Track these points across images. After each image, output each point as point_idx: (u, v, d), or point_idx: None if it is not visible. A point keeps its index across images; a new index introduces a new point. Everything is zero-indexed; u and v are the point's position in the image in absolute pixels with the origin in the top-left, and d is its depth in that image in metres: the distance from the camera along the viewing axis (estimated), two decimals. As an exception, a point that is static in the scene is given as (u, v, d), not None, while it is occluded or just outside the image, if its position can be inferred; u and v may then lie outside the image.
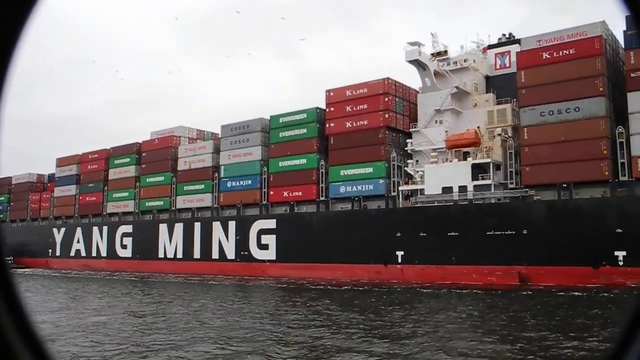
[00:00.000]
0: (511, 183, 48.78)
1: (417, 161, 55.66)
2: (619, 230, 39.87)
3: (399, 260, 50.16)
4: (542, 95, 46.46)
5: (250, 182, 65.21)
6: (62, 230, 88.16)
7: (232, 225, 64.35)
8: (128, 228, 77.68)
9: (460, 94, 55.60)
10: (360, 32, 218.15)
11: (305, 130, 61.52)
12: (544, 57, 47.48)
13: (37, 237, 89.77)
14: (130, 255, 75.76)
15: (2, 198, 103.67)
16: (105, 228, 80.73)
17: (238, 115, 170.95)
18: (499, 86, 55.59)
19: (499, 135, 50.88)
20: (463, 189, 49.36)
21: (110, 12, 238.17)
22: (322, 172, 59.40)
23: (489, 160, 49.04)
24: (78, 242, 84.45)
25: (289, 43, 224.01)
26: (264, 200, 63.87)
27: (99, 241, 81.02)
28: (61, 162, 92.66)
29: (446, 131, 53.69)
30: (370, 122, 56.66)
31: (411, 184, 54.21)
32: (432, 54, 57.74)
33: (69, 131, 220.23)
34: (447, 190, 50.15)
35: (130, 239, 76.36)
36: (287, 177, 61.21)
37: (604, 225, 40.55)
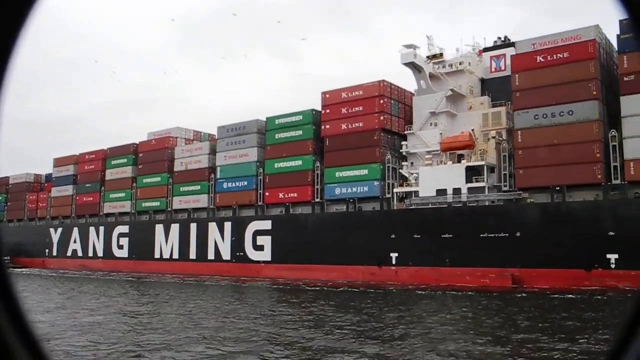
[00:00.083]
0: (505, 185, 48.97)
1: (411, 163, 55.88)
2: (611, 233, 40.13)
3: (393, 262, 50.35)
4: (536, 98, 46.71)
5: (246, 183, 65.38)
6: (59, 230, 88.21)
7: (227, 226, 64.52)
8: (124, 228, 77.82)
9: (455, 97, 55.85)
10: (359, 32, 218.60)
11: (301, 132, 61.75)
12: (538, 61, 47.76)
13: (34, 237, 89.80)
14: (126, 256, 75.90)
15: (0, 198, 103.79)
16: (102, 228, 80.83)
17: (235, 117, 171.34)
18: (494, 89, 55.84)
19: (494, 137, 51.09)
20: (457, 191, 49.57)
21: (108, 13, 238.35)
22: (317, 173, 59.60)
23: (483, 162, 49.28)
24: (75, 242, 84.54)
25: (286, 45, 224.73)
26: (260, 201, 64.05)
27: (96, 241, 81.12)
28: (58, 162, 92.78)
29: (441, 133, 53.92)
30: (365, 124, 56.87)
31: (406, 186, 54.40)
32: (428, 57, 58.03)
33: (68, 131, 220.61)
34: (441, 192, 50.38)
35: (127, 239, 76.50)
36: (283, 179, 61.39)
37: (596, 228, 40.82)
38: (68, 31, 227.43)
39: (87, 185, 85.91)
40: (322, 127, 60.23)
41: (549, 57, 47.23)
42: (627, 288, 37.60)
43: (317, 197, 59.46)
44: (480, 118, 53.59)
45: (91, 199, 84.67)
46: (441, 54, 58.38)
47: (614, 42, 48.08)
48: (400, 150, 56.89)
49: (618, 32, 44.83)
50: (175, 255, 69.65)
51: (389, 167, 55.45)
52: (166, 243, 71.00)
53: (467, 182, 49.46)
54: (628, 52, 42.97)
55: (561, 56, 46.57)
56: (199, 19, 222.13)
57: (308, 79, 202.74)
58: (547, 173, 44.89)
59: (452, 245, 46.38)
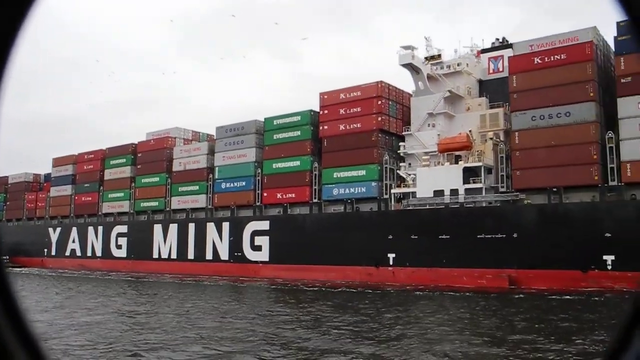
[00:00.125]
0: (502, 187, 49.06)
1: (409, 164, 55.95)
2: (608, 235, 40.17)
3: (391, 263, 50.42)
4: (534, 99, 46.76)
5: (244, 183, 65.48)
6: (58, 230, 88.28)
7: (226, 226, 64.59)
8: (123, 228, 77.89)
9: (453, 98, 55.93)
10: (359, 32, 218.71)
11: (299, 133, 61.85)
12: (535, 62, 47.82)
13: (33, 237, 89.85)
14: (125, 256, 75.95)
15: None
16: (100, 228, 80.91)
17: (235, 117, 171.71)
18: (492, 90, 55.88)
19: (491, 139, 51.15)
20: (454, 192, 49.66)
21: (108, 13, 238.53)
22: (315, 174, 59.70)
23: (480, 164, 49.34)
24: (73, 241, 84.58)
25: (286, 45, 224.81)
26: (258, 201, 64.15)
27: (94, 241, 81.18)
28: (57, 162, 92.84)
29: (438, 135, 53.99)
30: (363, 125, 56.97)
31: (403, 186, 54.48)
32: (426, 58, 58.12)
33: (68, 131, 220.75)
34: (438, 193, 50.47)
35: (125, 239, 76.56)
36: (281, 179, 61.49)
37: (593, 229, 40.83)
38: (68, 31, 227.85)
39: (86, 185, 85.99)
40: (320, 127, 60.33)
41: (546, 58, 47.29)
42: (625, 289, 37.57)
43: (315, 198, 59.56)
44: (478, 119, 53.67)
45: (90, 198, 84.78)
46: (439, 55, 58.48)
47: (611, 43, 48.15)
48: (398, 151, 56.98)
49: (615, 34, 44.94)
50: (174, 255, 69.72)
51: (386, 168, 55.55)
52: (164, 243, 71.06)
53: (464, 183, 49.55)
54: (625, 53, 43.05)
55: (558, 58, 46.63)
56: (199, 19, 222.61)
57: (308, 79, 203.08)
58: (544, 174, 44.98)
59: (449, 246, 46.46)
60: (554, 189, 44.89)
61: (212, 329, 26.12)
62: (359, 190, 55.98)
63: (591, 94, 44.69)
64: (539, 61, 47.61)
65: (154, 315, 31.57)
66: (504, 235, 44.47)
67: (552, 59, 46.90)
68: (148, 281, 59.28)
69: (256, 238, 60.91)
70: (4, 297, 2.11)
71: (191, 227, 68.58)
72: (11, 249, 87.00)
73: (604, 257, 40.35)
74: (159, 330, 25.64)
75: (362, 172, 55.99)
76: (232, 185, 66.58)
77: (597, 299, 36.21)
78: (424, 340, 22.67)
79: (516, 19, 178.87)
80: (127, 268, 72.50)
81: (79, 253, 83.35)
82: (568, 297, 37.11)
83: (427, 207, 50.67)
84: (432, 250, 47.15)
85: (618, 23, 44.00)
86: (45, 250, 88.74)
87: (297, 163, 60.97)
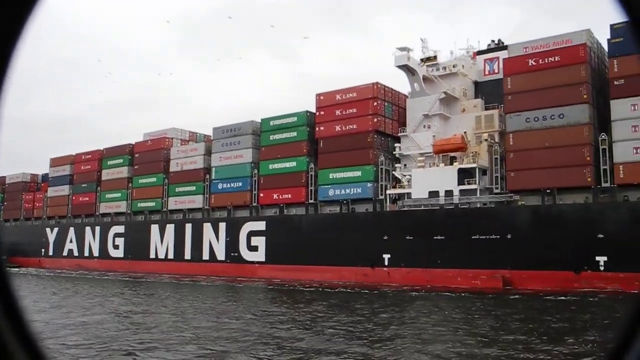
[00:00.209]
0: (497, 188, 49.32)
1: (405, 165, 56.22)
2: (600, 236, 40.46)
3: (386, 263, 50.67)
4: (528, 101, 47.06)
5: (240, 184, 65.71)
6: (55, 230, 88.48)
7: (222, 226, 64.84)
8: (120, 228, 78.11)
9: (448, 99, 56.18)
10: (359, 32, 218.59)
11: (295, 134, 62.08)
12: (529, 64, 48.13)
13: (30, 237, 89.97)
14: (122, 256, 76.16)
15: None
16: (97, 228, 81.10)
17: (235, 117, 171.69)
18: (488, 92, 56.08)
19: (486, 140, 51.41)
20: (449, 193, 49.93)
21: (108, 13, 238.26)
22: (311, 175, 59.95)
23: (475, 165, 49.61)
24: (71, 242, 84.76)
25: (286, 45, 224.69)
26: (254, 202, 64.38)
27: (92, 241, 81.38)
28: (55, 163, 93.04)
29: (434, 136, 54.25)
30: (359, 126, 57.22)
31: (399, 187, 54.75)
32: (422, 59, 58.34)
33: (69, 131, 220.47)
34: (433, 194, 50.74)
35: (122, 239, 76.76)
36: (277, 180, 61.73)
37: (586, 230, 41.14)
38: (68, 31, 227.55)
39: (83, 185, 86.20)
40: (317, 128, 60.58)
41: (540, 60, 47.61)
42: (620, 290, 37.76)
43: (311, 199, 59.82)
44: (473, 121, 53.88)
45: (87, 199, 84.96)
46: (435, 57, 58.74)
47: (605, 46, 48.42)
48: (394, 152, 57.23)
49: (609, 37, 45.25)
50: (171, 256, 69.91)
51: (382, 169, 55.81)
52: (161, 243, 71.27)
53: (459, 184, 49.80)
54: (618, 56, 43.29)
55: (552, 60, 46.94)
56: (199, 19, 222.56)
57: (308, 79, 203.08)
58: (538, 176, 45.27)
59: (444, 246, 46.74)
60: (548, 190, 45.20)
61: (208, 328, 26.32)
62: (355, 191, 56.24)
63: (584, 96, 45.00)
64: (533, 63, 47.93)
65: (151, 315, 31.77)
66: (498, 236, 44.75)
67: (546, 61, 47.22)
68: (145, 281, 59.49)
69: (252, 238, 61.14)
70: (4, 297, 2.13)
71: (188, 227, 68.78)
72: (9, 249, 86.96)
73: (597, 258, 40.65)
74: (155, 330, 25.85)
75: (358, 173, 56.24)
76: (228, 185, 66.81)
77: (591, 299, 36.49)
78: (419, 341, 22.81)
79: (516, 19, 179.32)
80: (124, 268, 72.70)
81: (76, 253, 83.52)
82: (563, 297, 37.36)
83: (422, 208, 50.92)
84: (427, 251, 47.41)
85: (612, 26, 44.37)
86: (43, 250, 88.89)
87: (294, 164, 61.20)
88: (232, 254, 62.84)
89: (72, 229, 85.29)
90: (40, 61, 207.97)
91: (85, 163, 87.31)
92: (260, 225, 61.04)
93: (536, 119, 46.83)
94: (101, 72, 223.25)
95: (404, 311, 34.24)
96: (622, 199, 42.57)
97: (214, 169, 69.08)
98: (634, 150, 42.08)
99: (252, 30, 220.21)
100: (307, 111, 62.49)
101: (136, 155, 79.74)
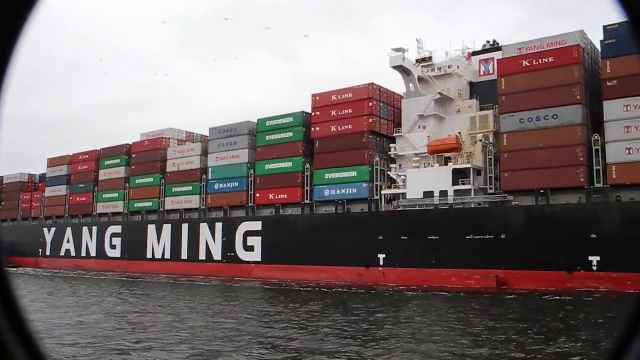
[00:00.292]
0: (491, 188, 49.54)
1: (400, 166, 56.43)
2: (593, 236, 40.72)
3: (381, 263, 50.89)
4: (522, 102, 47.26)
5: (237, 184, 65.88)
6: (53, 230, 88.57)
7: (219, 226, 65.00)
8: (117, 229, 78.25)
9: (443, 100, 56.37)
10: (359, 32, 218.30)
11: (291, 134, 62.26)
12: (524, 65, 48.34)
13: (28, 237, 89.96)
14: (119, 256, 76.31)
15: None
16: (95, 228, 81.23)
17: (235, 117, 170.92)
18: (483, 92, 56.23)
19: (480, 141, 51.63)
20: (444, 193, 50.16)
21: (108, 13, 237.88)
22: (307, 175, 60.14)
23: (469, 165, 49.84)
24: (68, 242, 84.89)
25: (286, 45, 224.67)
26: (251, 202, 64.58)
27: (89, 241, 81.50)
28: (52, 163, 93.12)
29: (429, 136, 54.47)
30: (354, 126, 57.42)
31: (394, 188, 54.96)
32: (417, 60, 58.56)
33: (68, 131, 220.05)
34: (428, 194, 50.94)
35: (120, 239, 76.92)
36: (273, 180, 61.91)
37: (579, 230, 41.38)
38: (68, 31, 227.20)
39: (81, 185, 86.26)
40: (312, 129, 60.77)
41: (534, 61, 47.83)
42: (613, 290, 38.01)
43: (307, 199, 60.01)
44: (468, 121, 54.10)
45: (84, 199, 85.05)
46: (430, 58, 58.89)
47: (599, 47, 48.66)
48: (389, 153, 57.43)
49: (602, 38, 45.53)
50: (168, 256, 70.08)
51: (377, 169, 56.02)
52: (158, 243, 71.43)
53: (453, 184, 49.99)
54: (612, 57, 43.54)
55: (546, 61, 47.18)
56: (199, 18, 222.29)
57: (308, 79, 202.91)
58: (532, 176, 45.50)
59: (439, 247, 46.96)
60: (542, 191, 45.45)
61: (203, 328, 26.48)
62: (350, 192, 56.48)
63: (578, 97, 45.26)
64: (527, 64, 48.15)
65: (147, 315, 31.97)
66: (492, 237, 44.98)
67: (540, 62, 47.46)
68: (142, 281, 59.67)
69: (249, 239, 61.33)
70: (3, 297, 2.13)
71: (185, 227, 68.94)
72: (6, 249, 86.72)
73: (590, 258, 40.91)
74: (151, 330, 26.01)
75: (353, 174, 56.46)
76: (225, 186, 66.98)
77: (586, 299, 36.72)
78: (412, 340, 22.93)
79: (516, 19, 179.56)
80: (122, 268, 72.86)
81: (73, 253, 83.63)
82: (558, 297, 37.58)
83: (417, 208, 51.15)
84: (422, 251, 47.65)
85: (605, 27, 44.67)
86: (40, 250, 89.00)
87: (290, 164, 61.40)
88: (229, 254, 63.03)
89: (69, 229, 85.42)
90: (40, 61, 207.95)
91: (83, 163, 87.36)
92: (257, 226, 61.25)
93: (530, 119, 47.08)
94: (101, 72, 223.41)
95: (400, 311, 34.44)
96: (615, 200, 42.83)
97: (210, 169, 69.23)
98: (627, 151, 42.33)
99: (252, 30, 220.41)
100: (303, 112, 62.67)
101: (133, 156, 79.80)
